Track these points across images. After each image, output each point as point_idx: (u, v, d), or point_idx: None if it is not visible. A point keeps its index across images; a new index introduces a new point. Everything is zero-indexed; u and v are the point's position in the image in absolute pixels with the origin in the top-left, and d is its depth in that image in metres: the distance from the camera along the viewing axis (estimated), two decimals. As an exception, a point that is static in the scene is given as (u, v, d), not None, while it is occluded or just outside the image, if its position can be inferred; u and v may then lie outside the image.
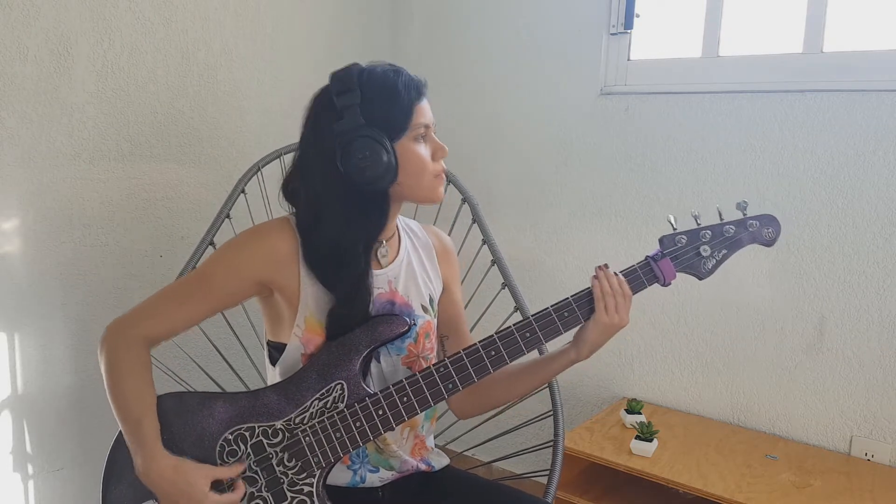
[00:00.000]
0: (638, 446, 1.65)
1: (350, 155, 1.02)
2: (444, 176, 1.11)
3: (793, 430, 1.81)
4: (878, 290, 1.68)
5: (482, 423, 1.62)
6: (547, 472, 1.43)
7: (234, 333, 1.57)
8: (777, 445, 1.76)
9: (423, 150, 1.07)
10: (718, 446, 1.73)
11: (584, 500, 1.69)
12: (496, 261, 1.57)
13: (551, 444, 1.45)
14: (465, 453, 1.84)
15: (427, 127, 1.07)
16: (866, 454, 1.71)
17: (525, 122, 2.15)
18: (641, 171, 1.97)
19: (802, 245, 1.75)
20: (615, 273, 1.09)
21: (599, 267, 1.09)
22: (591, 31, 2.01)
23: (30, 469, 1.60)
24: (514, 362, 1.09)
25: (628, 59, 2.00)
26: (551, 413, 1.47)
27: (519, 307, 1.55)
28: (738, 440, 1.78)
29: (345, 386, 1.05)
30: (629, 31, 1.98)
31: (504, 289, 1.56)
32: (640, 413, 1.83)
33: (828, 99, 1.71)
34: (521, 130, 2.16)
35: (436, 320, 1.21)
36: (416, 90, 1.07)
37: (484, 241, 1.59)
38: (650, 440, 1.66)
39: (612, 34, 2.00)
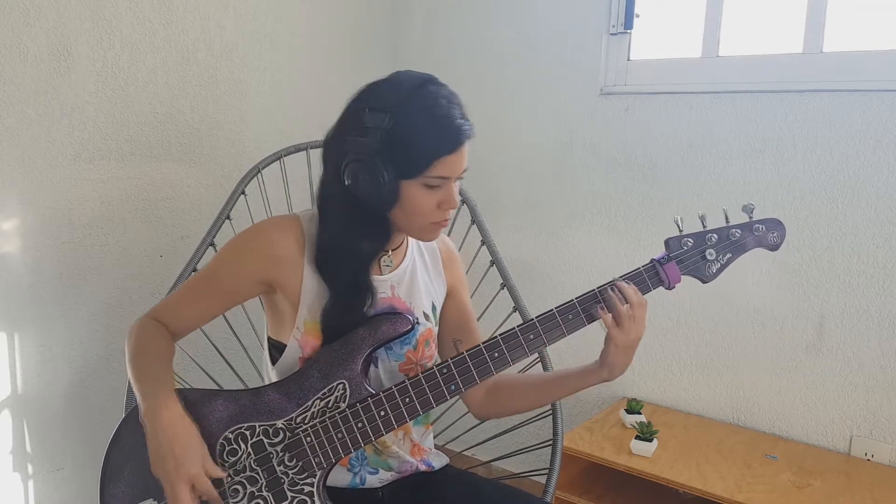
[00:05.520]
0: (638, 446, 1.65)
1: (352, 172, 1.01)
2: (445, 223, 1.07)
3: (793, 430, 1.81)
4: (878, 290, 1.68)
5: (482, 422, 1.62)
6: (546, 471, 1.43)
7: (234, 333, 1.57)
8: (777, 445, 1.76)
9: (429, 197, 1.03)
10: (718, 446, 1.73)
11: (584, 500, 1.69)
12: (495, 261, 1.57)
13: (550, 443, 1.45)
14: (464, 453, 1.83)
15: (446, 179, 1.02)
16: (866, 454, 1.71)
17: (525, 121, 2.15)
18: (641, 170, 1.97)
19: (802, 245, 1.75)
20: (625, 282, 1.05)
21: (607, 289, 1.05)
22: (591, 31, 2.01)
23: (30, 469, 1.60)
24: (543, 374, 1.07)
25: (628, 59, 2.00)
26: (550, 412, 1.47)
27: (518, 308, 1.54)
28: (738, 440, 1.78)
29: (346, 385, 1.04)
30: (629, 31, 1.98)
31: (503, 289, 1.56)
32: (640, 413, 1.83)
33: (828, 99, 1.70)
34: (521, 130, 2.16)
35: (437, 328, 1.20)
36: (452, 142, 1.01)
37: (483, 242, 1.59)
38: (650, 440, 1.66)
39: (612, 34, 2.00)
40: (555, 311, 1.07)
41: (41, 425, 1.61)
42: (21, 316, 1.55)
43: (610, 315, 1.04)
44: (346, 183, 1.02)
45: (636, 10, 1.97)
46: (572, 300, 1.07)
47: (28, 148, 1.51)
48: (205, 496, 0.99)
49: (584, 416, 2.09)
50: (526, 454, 1.58)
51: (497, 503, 1.18)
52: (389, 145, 0.99)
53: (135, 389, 1.04)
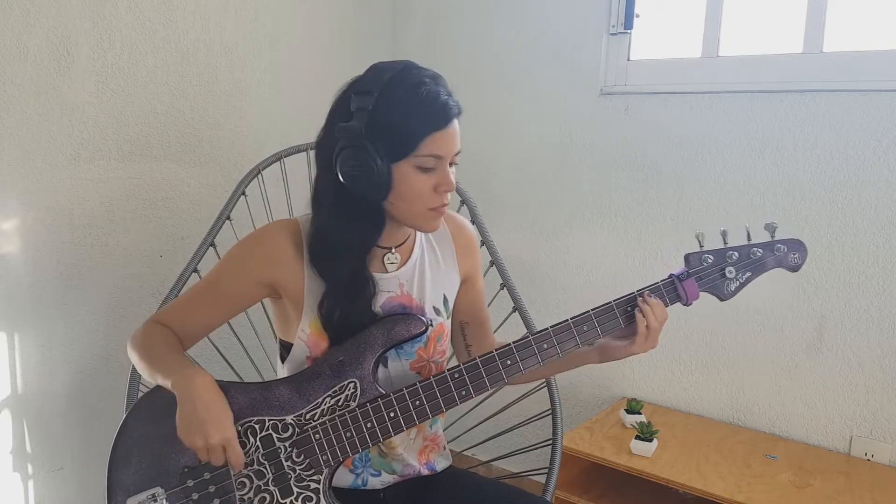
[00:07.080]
0: (638, 446, 1.65)
1: (343, 161, 0.99)
2: (443, 209, 1.04)
3: (793, 430, 1.81)
4: (878, 290, 1.68)
5: (481, 422, 1.62)
6: (546, 471, 1.43)
7: (234, 333, 1.57)
8: (777, 445, 1.76)
9: (424, 180, 1.00)
10: (718, 446, 1.73)
11: (584, 500, 1.69)
12: (495, 261, 1.57)
13: (550, 442, 1.45)
14: (464, 453, 1.84)
15: (438, 158, 1.00)
16: (866, 454, 1.71)
17: (525, 121, 2.15)
18: (641, 171, 1.97)
19: (802, 245, 1.75)
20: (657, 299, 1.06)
21: (644, 298, 1.05)
22: (591, 32, 2.01)
23: (30, 469, 1.60)
24: None
25: (628, 59, 2.00)
26: (550, 412, 1.47)
27: (517, 308, 1.55)
28: (738, 440, 1.78)
29: (358, 385, 1.05)
30: (629, 31, 1.98)
31: (503, 289, 1.56)
32: (640, 413, 1.83)
33: (828, 99, 1.70)
34: (521, 130, 2.16)
35: (449, 321, 1.18)
36: (440, 118, 0.99)
37: (482, 243, 1.59)
38: (650, 440, 1.66)
39: (612, 34, 2.00)
40: (570, 322, 1.06)
41: (41, 425, 1.61)
42: (21, 316, 1.55)
43: (645, 324, 1.04)
44: (339, 174, 1.00)
45: (636, 10, 1.97)
46: (588, 312, 1.07)
47: (28, 148, 1.51)
48: (233, 460, 1.00)
49: (584, 416, 2.09)
50: (526, 454, 1.58)
51: (497, 502, 1.18)
52: (377, 125, 0.97)
53: (154, 374, 1.04)
